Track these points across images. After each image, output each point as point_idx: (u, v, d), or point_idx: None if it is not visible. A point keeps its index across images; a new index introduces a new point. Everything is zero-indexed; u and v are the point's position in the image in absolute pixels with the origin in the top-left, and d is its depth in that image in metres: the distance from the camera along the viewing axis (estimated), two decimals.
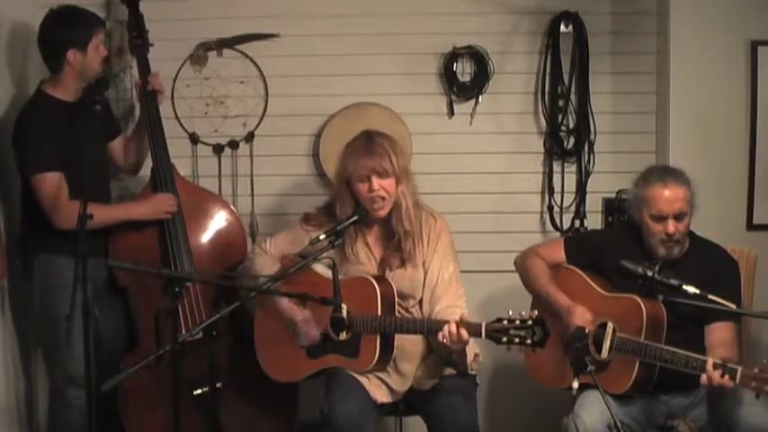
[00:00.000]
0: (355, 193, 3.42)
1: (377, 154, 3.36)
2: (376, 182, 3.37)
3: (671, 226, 3.29)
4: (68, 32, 3.60)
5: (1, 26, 3.78)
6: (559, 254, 3.55)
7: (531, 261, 3.56)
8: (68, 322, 3.11)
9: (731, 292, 3.21)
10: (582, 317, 3.30)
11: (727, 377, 2.98)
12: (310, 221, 3.55)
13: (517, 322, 3.07)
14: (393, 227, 3.45)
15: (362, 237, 3.50)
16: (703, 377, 3.03)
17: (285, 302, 3.46)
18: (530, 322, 3.05)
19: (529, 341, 3.05)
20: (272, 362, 3.58)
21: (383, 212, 3.41)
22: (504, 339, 3.07)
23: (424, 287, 3.46)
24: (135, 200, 3.88)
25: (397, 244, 3.45)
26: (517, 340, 3.06)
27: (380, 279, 3.42)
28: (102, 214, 3.61)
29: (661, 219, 3.31)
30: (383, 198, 3.39)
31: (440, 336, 3.19)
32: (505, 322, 3.08)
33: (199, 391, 3.55)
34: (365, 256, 3.49)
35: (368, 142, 3.41)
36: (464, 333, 3.15)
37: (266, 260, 3.57)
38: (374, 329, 3.34)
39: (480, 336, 3.14)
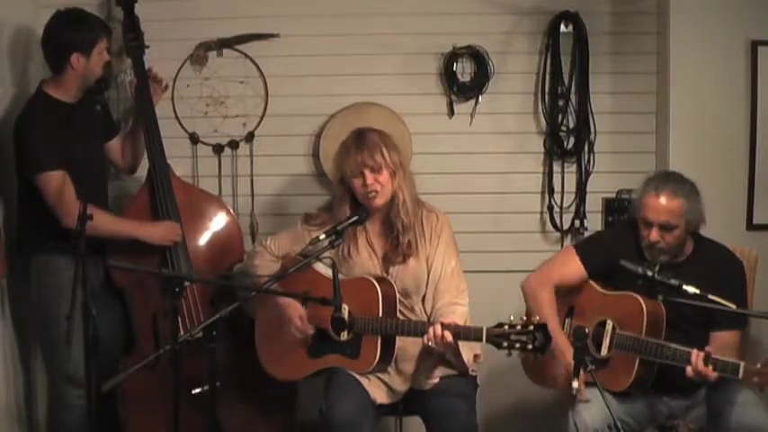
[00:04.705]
0: (352, 189, 3.43)
1: (368, 148, 3.38)
2: (369, 176, 3.38)
3: (654, 234, 3.27)
4: (74, 36, 3.60)
5: (2, 28, 3.79)
6: (576, 267, 3.43)
7: (543, 297, 3.42)
8: (68, 322, 3.11)
9: (734, 293, 3.19)
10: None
11: (710, 367, 2.99)
12: (311, 221, 3.56)
13: (518, 327, 3.06)
14: (392, 221, 3.45)
15: (364, 234, 3.50)
16: (689, 369, 3.04)
17: (282, 300, 3.46)
18: (531, 327, 3.04)
19: (530, 346, 3.04)
20: (273, 360, 3.58)
21: (378, 202, 3.41)
22: (505, 344, 3.07)
23: (427, 283, 3.46)
24: (142, 221, 3.84)
25: (396, 238, 3.45)
26: (518, 345, 3.05)
27: (382, 279, 3.42)
28: (111, 224, 3.65)
29: (648, 225, 3.30)
30: (378, 191, 3.39)
31: (425, 339, 3.21)
32: (506, 327, 3.08)
33: (197, 391, 3.55)
34: (367, 253, 3.49)
35: (359, 138, 3.43)
36: (448, 335, 3.16)
37: (266, 259, 3.57)
38: (375, 331, 3.34)
39: (481, 340, 3.14)
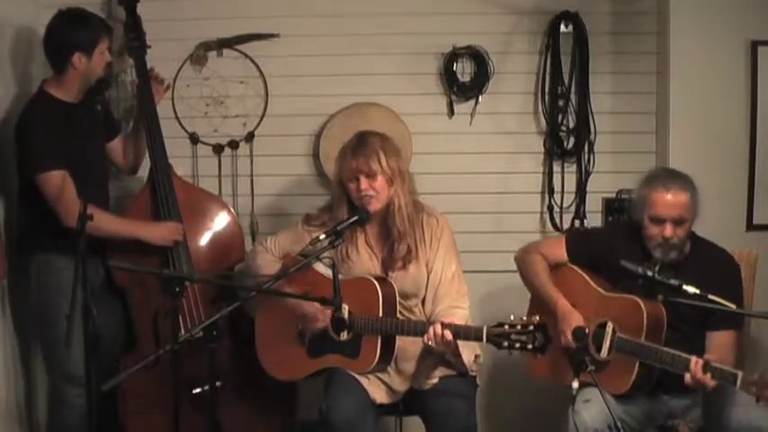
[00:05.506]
0: (348, 192, 3.43)
1: (365, 154, 3.38)
2: (364, 182, 3.38)
3: (668, 230, 3.28)
4: (76, 35, 3.60)
5: (4, 28, 3.79)
6: (560, 251, 3.54)
7: (532, 258, 3.55)
8: (68, 322, 3.11)
9: (732, 293, 3.19)
10: (577, 325, 3.28)
11: (708, 375, 2.99)
12: (311, 222, 3.56)
13: (518, 327, 3.07)
14: (389, 227, 3.45)
15: (364, 236, 3.50)
16: (687, 376, 3.04)
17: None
18: (531, 327, 3.05)
19: (530, 346, 3.05)
20: (273, 361, 3.58)
21: (372, 207, 3.41)
22: (506, 344, 3.08)
23: (427, 286, 3.46)
24: (144, 220, 3.84)
25: (391, 244, 3.45)
26: (518, 345, 3.07)
27: (382, 279, 3.42)
28: (112, 224, 3.66)
29: (659, 222, 3.30)
30: (372, 196, 3.39)
31: (425, 338, 3.22)
32: (507, 327, 3.09)
33: (198, 390, 3.56)
34: (368, 255, 3.49)
35: (359, 143, 3.43)
36: (448, 335, 3.17)
37: (267, 259, 3.58)
38: (375, 331, 3.34)
39: (482, 340, 3.15)
